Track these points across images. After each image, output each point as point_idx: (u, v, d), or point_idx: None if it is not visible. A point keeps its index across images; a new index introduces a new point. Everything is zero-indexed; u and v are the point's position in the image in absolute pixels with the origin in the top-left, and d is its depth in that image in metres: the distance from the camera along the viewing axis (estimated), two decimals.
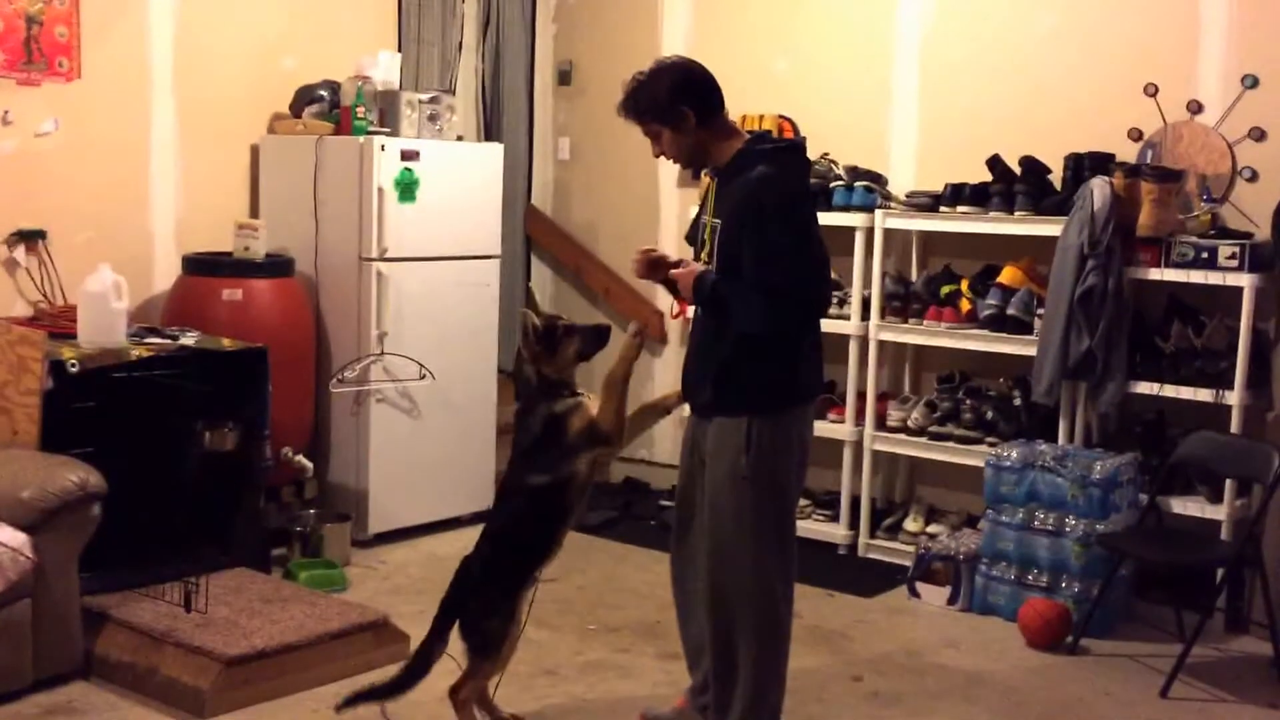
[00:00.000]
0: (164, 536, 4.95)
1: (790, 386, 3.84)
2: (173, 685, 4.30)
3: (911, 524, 6.19)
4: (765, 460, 3.78)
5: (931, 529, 6.09)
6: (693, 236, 4.10)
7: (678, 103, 3.77)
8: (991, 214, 5.81)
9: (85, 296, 5.00)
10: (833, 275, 6.34)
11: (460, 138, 6.55)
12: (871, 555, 6.21)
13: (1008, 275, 5.85)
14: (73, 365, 4.72)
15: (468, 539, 6.17)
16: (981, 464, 5.60)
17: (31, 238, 5.53)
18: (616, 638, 5.08)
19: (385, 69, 6.33)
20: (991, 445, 5.76)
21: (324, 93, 6.32)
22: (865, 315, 6.16)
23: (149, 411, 5.07)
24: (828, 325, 6.12)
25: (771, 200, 3.69)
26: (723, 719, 3.96)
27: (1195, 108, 5.63)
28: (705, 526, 3.92)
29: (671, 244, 6.81)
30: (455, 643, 4.06)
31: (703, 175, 3.89)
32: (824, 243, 3.89)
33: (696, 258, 3.96)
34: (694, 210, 4.30)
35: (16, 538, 4.20)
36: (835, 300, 6.27)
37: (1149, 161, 5.65)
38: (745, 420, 3.77)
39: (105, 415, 4.94)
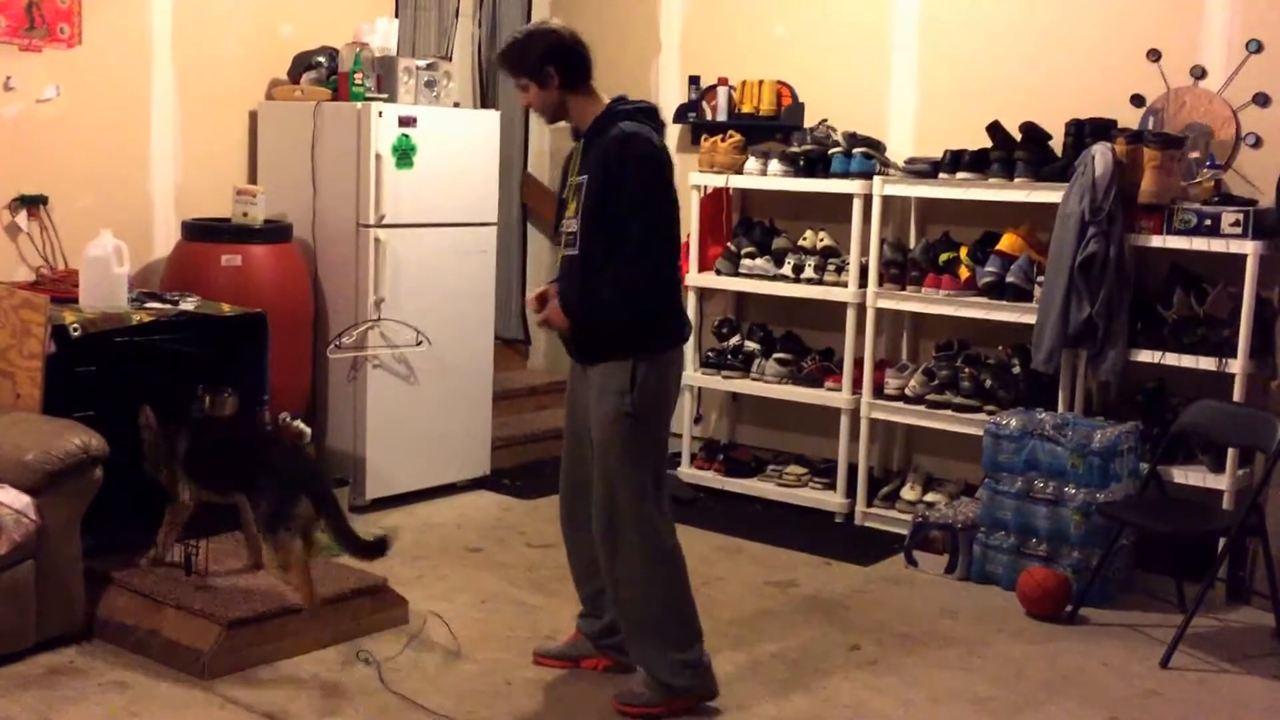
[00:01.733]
0: (164, 500, 4.94)
1: (668, 330, 4.17)
2: (173, 647, 4.32)
3: (909, 492, 6.19)
4: (648, 398, 4.07)
5: (929, 497, 6.10)
6: (562, 201, 4.30)
7: (545, 62, 4.08)
8: (991, 180, 5.79)
9: (87, 261, 5.00)
10: (829, 242, 6.43)
11: (457, 104, 6.53)
12: (869, 524, 6.22)
13: (1007, 242, 5.84)
14: (75, 329, 4.71)
15: (464, 505, 6.32)
16: (980, 432, 5.60)
17: (33, 203, 5.54)
18: None
19: (383, 35, 6.31)
20: (990, 413, 5.76)
21: (322, 59, 6.30)
22: (863, 283, 6.15)
23: (149, 376, 5.06)
24: (825, 293, 6.26)
25: (631, 153, 3.98)
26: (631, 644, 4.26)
27: (1199, 73, 5.61)
28: (596, 463, 4.16)
29: None
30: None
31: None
32: (676, 200, 4.15)
33: (561, 218, 4.21)
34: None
35: (20, 500, 4.21)
36: (833, 268, 6.28)
37: (1151, 128, 5.63)
38: (630, 363, 4.05)
39: (106, 379, 4.93)
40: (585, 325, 4.11)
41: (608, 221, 4.00)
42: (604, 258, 4.01)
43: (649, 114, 4.16)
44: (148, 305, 5.12)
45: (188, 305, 5.21)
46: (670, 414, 4.24)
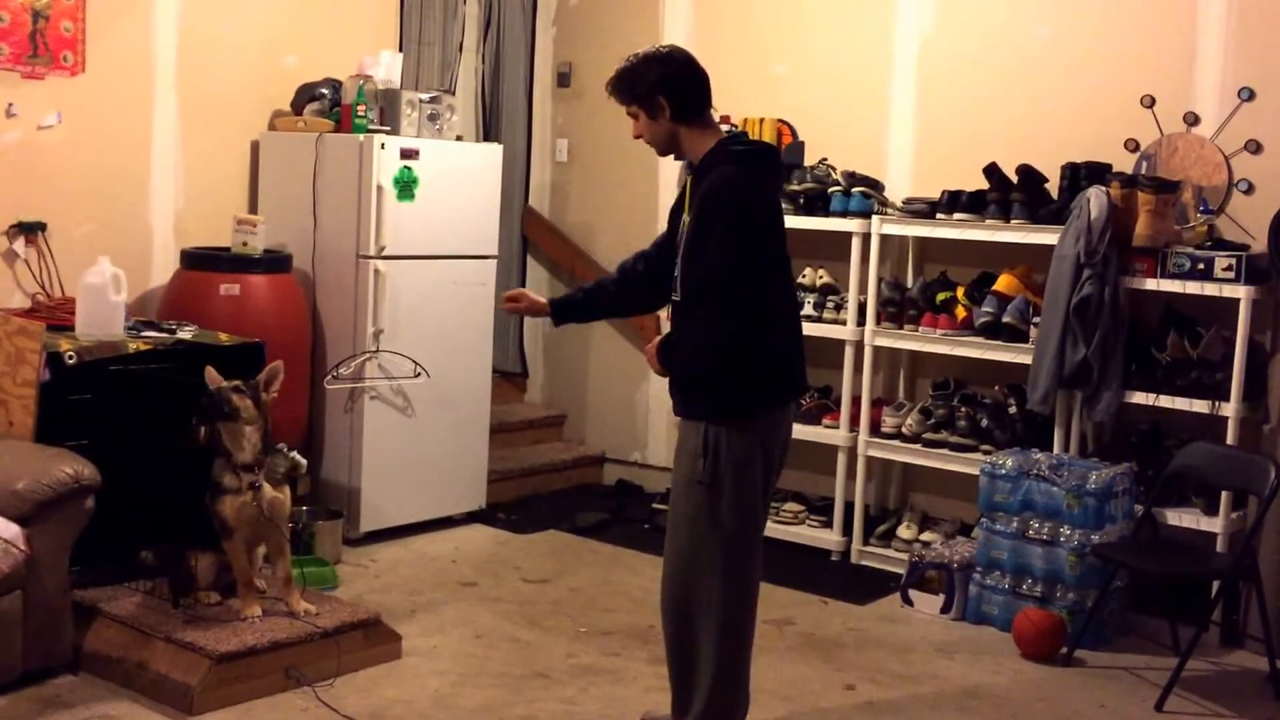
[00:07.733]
0: (156, 531, 4.93)
1: (752, 394, 3.80)
2: (162, 681, 4.28)
3: (905, 531, 6.18)
4: (723, 467, 3.76)
5: (925, 537, 6.09)
6: (669, 238, 4.03)
7: (656, 92, 3.81)
8: (988, 222, 5.81)
9: (84, 289, 5.00)
10: (828, 279, 6.44)
11: (459, 138, 6.54)
12: (865, 562, 6.20)
13: (1004, 283, 5.86)
14: (70, 357, 4.71)
15: (459, 538, 6.30)
16: (976, 471, 5.60)
17: (31, 229, 5.54)
18: (608, 641, 5.07)
19: (386, 68, 6.34)
20: (986, 453, 5.75)
21: (325, 91, 6.33)
22: (861, 321, 6.16)
23: (145, 405, 5.05)
24: (823, 330, 6.23)
25: (726, 204, 3.70)
26: (681, 718, 3.96)
27: (1192, 119, 5.64)
28: (668, 526, 3.95)
29: None
30: None
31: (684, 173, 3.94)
32: (784, 246, 3.89)
33: (675, 258, 3.91)
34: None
35: (9, 529, 4.18)
36: (831, 305, 6.28)
37: (1144, 172, 5.65)
38: (703, 425, 3.78)
39: (101, 408, 4.91)
40: (672, 375, 3.86)
41: (700, 270, 3.72)
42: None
43: (761, 157, 3.88)
44: (145, 334, 5.12)
45: (185, 334, 5.22)
46: (759, 488, 3.85)
